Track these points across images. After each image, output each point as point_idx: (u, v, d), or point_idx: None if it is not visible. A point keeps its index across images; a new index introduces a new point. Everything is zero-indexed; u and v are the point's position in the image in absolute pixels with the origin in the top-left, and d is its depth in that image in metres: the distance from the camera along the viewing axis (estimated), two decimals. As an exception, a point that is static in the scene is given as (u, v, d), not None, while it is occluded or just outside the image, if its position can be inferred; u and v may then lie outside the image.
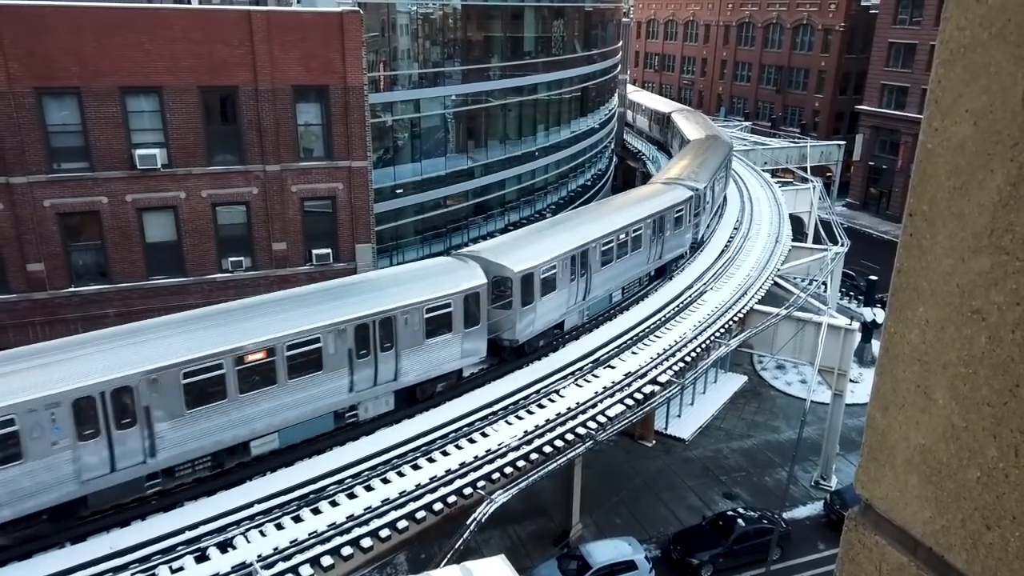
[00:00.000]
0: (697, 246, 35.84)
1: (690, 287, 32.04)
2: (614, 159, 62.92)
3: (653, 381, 24.43)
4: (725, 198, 44.37)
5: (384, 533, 17.25)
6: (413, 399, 21.69)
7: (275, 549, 16.26)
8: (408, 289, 21.27)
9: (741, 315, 30.20)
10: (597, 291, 27.65)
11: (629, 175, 65.04)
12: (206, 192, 25.82)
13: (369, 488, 18.47)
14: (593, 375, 24.47)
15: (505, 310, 23.44)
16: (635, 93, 75.74)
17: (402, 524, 17.57)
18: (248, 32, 25.01)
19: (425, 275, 22.48)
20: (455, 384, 22.92)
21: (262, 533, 16.78)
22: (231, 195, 26.27)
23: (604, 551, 25.01)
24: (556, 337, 26.13)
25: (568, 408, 22.33)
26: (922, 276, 1.54)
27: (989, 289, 1.40)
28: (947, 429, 1.50)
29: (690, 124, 52.90)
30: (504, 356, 24.36)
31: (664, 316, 28.99)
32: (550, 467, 20.45)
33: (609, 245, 27.72)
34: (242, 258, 26.70)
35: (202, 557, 16.03)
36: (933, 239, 1.51)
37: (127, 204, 24.86)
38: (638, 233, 29.29)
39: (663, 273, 32.87)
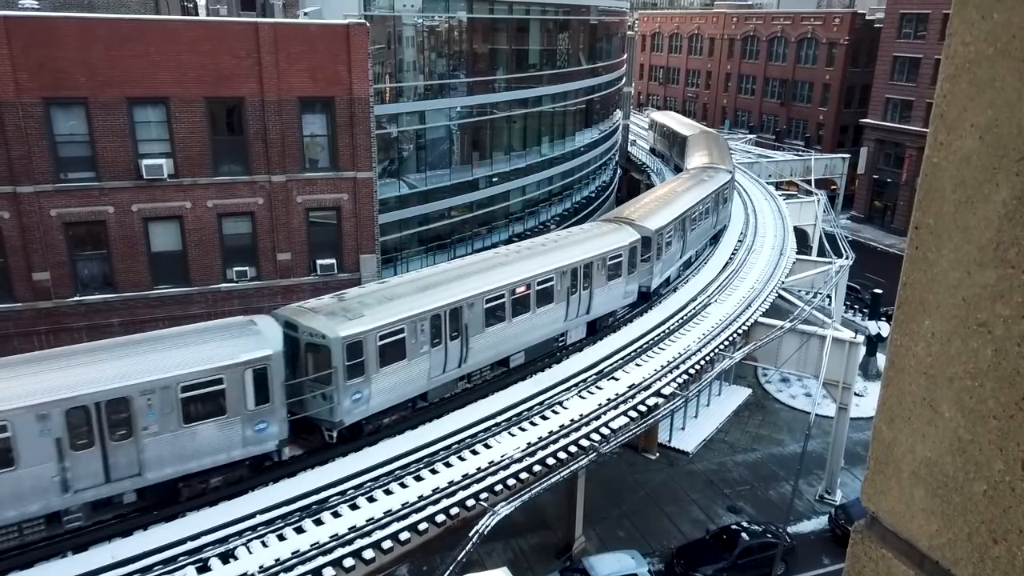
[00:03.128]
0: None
1: (694, 299, 32.01)
2: (618, 171, 63.04)
3: (657, 393, 24.36)
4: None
5: (386, 545, 17.19)
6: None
7: (277, 560, 16.20)
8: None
9: (745, 328, 30.15)
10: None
11: (633, 187, 65.14)
12: (211, 202, 25.92)
13: (371, 499, 18.42)
14: (597, 387, 24.40)
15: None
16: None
17: (404, 536, 17.51)
18: (255, 44, 25.18)
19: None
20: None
21: (264, 544, 16.73)
22: (236, 205, 26.37)
23: (607, 564, 24.89)
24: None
25: (571, 420, 22.27)
26: (928, 289, 1.54)
27: (995, 302, 1.40)
28: (953, 442, 1.50)
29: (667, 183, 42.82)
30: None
31: (668, 328, 28.94)
32: (553, 479, 20.38)
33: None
34: (247, 268, 26.77)
35: (203, 568, 15.98)
36: (939, 252, 1.51)
37: (133, 214, 24.97)
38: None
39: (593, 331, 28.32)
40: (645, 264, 29.18)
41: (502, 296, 23.32)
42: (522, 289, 24.03)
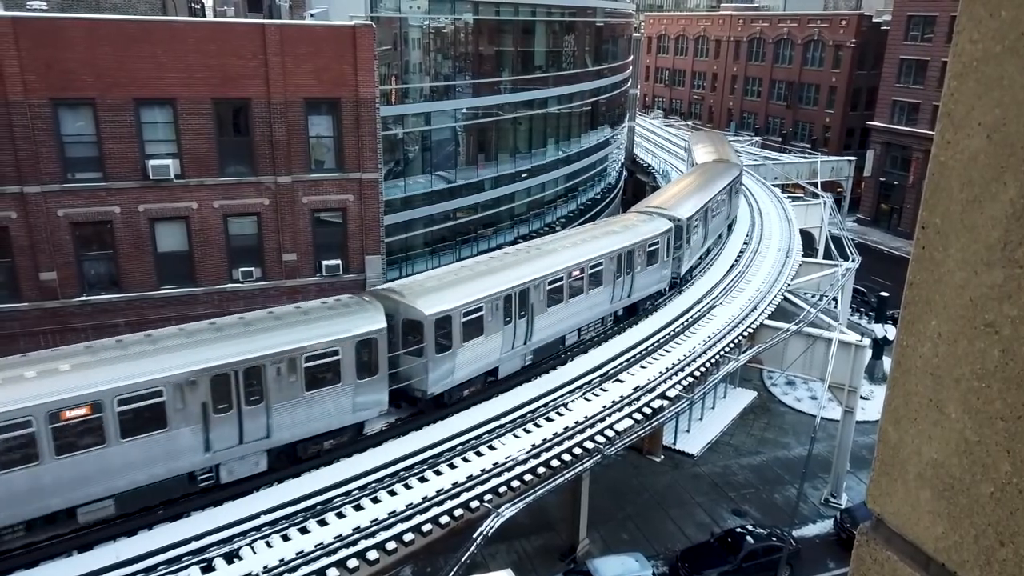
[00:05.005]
0: None
1: (699, 301, 31.95)
2: (624, 173, 63.05)
3: (662, 395, 24.33)
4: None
5: (391, 546, 17.20)
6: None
7: (281, 561, 16.22)
8: None
9: (751, 330, 30.08)
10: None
11: (639, 189, 65.13)
12: (218, 203, 25.99)
13: (376, 500, 18.43)
14: (602, 389, 24.38)
15: None
16: None
17: (408, 537, 17.51)
18: (261, 45, 25.25)
19: None
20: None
21: (268, 544, 16.76)
22: (242, 206, 26.44)
23: (611, 567, 24.86)
24: None
25: (576, 422, 22.25)
26: (934, 289, 1.53)
27: (1002, 302, 1.39)
28: (960, 443, 1.49)
29: None
30: None
31: (673, 331, 28.90)
32: (557, 481, 20.36)
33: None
34: (252, 269, 26.84)
35: (208, 568, 16.01)
36: (946, 252, 1.50)
37: (139, 214, 25.05)
38: None
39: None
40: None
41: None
42: (81, 411, 15.95)
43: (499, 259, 25.41)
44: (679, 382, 25.22)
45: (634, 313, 30.01)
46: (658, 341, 27.96)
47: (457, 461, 20.19)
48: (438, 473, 19.62)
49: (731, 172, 41.68)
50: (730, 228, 42.40)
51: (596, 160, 50.34)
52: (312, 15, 30.37)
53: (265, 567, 15.99)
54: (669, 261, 30.92)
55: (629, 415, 23.02)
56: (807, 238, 47.08)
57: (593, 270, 26.70)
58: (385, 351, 20.16)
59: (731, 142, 51.53)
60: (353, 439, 20.28)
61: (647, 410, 23.54)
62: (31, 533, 15.94)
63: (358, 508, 18.13)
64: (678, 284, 32.99)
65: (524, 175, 41.04)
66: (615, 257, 27.60)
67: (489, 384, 23.76)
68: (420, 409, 22.06)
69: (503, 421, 22.04)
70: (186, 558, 16.08)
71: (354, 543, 16.98)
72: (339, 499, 18.34)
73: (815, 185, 57.25)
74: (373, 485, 18.89)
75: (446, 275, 23.65)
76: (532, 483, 19.90)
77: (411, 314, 21.00)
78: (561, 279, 25.30)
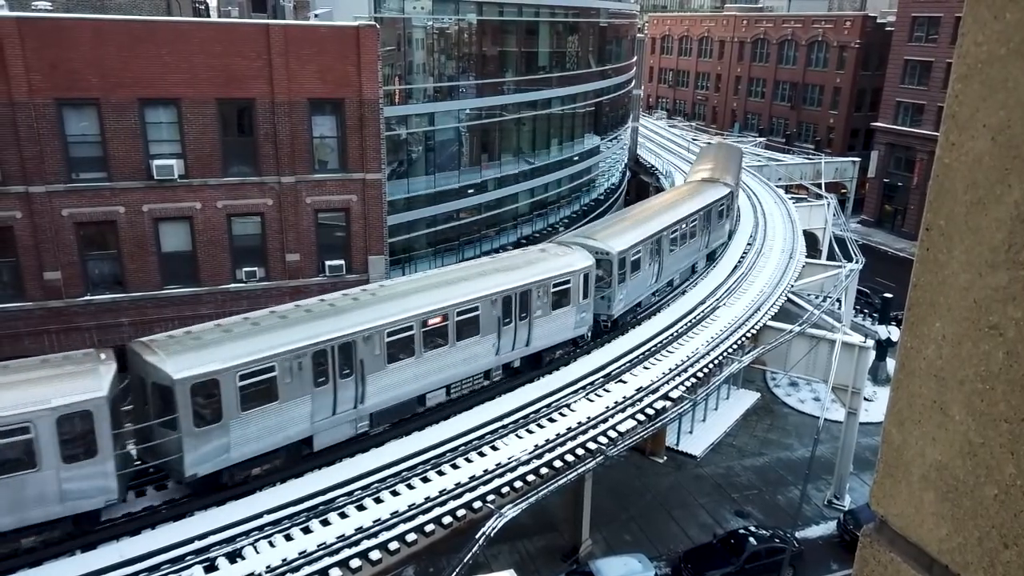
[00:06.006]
0: None
1: (703, 302, 31.91)
2: (627, 174, 63.01)
3: (665, 396, 24.30)
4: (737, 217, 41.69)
5: (393, 546, 17.21)
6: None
7: (284, 560, 16.24)
8: None
9: (754, 331, 30.04)
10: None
11: (642, 189, 65.09)
12: (221, 203, 26.03)
13: (379, 500, 18.45)
14: (604, 389, 24.37)
15: None
16: None
17: (411, 537, 17.52)
18: (266, 45, 25.28)
19: None
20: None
21: (271, 544, 16.77)
22: (246, 206, 26.47)
23: (614, 567, 24.84)
24: None
25: (579, 423, 22.24)
26: (939, 291, 1.53)
27: (1007, 304, 1.39)
28: (964, 445, 1.49)
29: None
30: None
31: (676, 331, 28.86)
32: (560, 482, 20.35)
33: None
34: (256, 269, 26.87)
35: (211, 567, 16.03)
36: (950, 254, 1.50)
37: (143, 214, 25.10)
38: None
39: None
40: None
41: None
42: None
43: (325, 304, 20.89)
44: (682, 383, 25.16)
45: (538, 364, 25.18)
46: (669, 337, 27.85)
47: (460, 461, 20.15)
48: (441, 474, 19.57)
49: (714, 194, 36.90)
50: (712, 258, 37.17)
51: (599, 161, 50.33)
52: (316, 16, 30.41)
53: (268, 567, 16.01)
54: (589, 303, 25.85)
55: (632, 416, 22.97)
56: (811, 239, 47.00)
57: (464, 316, 22.08)
58: (108, 426, 16.11)
59: (740, 158, 45.70)
60: (67, 535, 16.33)
61: (650, 411, 23.50)
62: None
63: (361, 508, 18.12)
64: (609, 329, 28.00)
65: (526, 176, 41.05)
66: (498, 299, 22.86)
67: (306, 457, 19.55)
68: (192, 492, 17.94)
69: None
70: (189, 557, 16.10)
71: (356, 543, 16.98)
72: (342, 499, 18.31)
73: (819, 186, 57.18)
74: (376, 485, 18.86)
75: (239, 324, 19.17)
76: (535, 483, 19.89)
77: (158, 377, 16.84)
78: (410, 328, 20.82)
